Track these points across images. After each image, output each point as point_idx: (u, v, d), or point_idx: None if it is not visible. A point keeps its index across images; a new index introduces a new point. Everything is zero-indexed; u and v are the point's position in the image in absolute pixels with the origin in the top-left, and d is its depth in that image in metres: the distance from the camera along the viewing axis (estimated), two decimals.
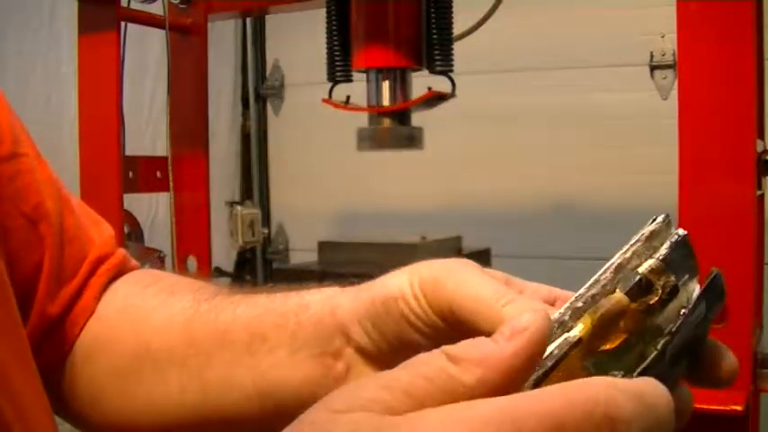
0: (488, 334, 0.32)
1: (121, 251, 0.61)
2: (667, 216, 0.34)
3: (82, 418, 0.56)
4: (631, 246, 0.33)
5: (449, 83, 1.26)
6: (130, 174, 1.67)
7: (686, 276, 0.33)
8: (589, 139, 2.35)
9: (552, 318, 0.31)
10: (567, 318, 0.32)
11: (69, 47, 2.02)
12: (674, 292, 0.32)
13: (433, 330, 0.40)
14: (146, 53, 2.26)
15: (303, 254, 2.71)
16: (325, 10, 1.28)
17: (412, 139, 1.27)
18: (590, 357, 0.30)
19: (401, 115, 1.26)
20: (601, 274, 0.33)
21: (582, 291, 0.33)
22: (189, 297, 0.54)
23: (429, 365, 0.28)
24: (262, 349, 0.46)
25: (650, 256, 0.33)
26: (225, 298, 0.52)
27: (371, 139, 1.27)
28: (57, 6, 2.25)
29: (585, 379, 0.28)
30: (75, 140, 1.65)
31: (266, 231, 2.67)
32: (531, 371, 0.28)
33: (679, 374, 0.33)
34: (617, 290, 0.32)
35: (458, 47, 1.26)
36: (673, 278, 0.32)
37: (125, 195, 1.63)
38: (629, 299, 0.32)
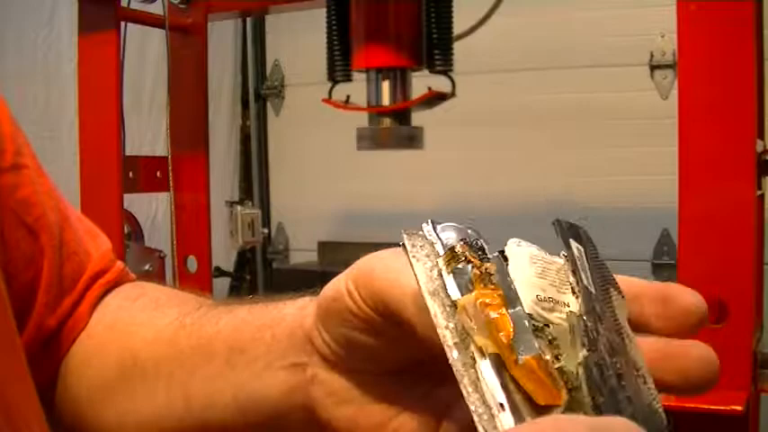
0: (415, 326, 0.33)
1: (119, 264, 0.60)
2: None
3: None
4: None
5: (449, 83, 1.26)
6: (130, 174, 1.67)
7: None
8: (589, 139, 2.34)
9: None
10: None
11: (69, 47, 2.02)
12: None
13: (373, 327, 0.38)
14: (146, 53, 2.26)
15: (303, 254, 2.72)
16: (325, 10, 1.29)
17: (412, 139, 1.27)
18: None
19: (401, 115, 1.26)
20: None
21: None
22: (174, 311, 0.53)
23: None
24: (240, 362, 0.46)
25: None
26: (208, 310, 0.51)
27: (371, 139, 1.27)
28: (57, 6, 2.25)
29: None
30: (74, 141, 1.65)
31: (266, 231, 2.67)
32: None
33: (610, 303, 0.32)
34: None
35: (458, 47, 1.26)
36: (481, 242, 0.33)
37: (125, 195, 1.63)
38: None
